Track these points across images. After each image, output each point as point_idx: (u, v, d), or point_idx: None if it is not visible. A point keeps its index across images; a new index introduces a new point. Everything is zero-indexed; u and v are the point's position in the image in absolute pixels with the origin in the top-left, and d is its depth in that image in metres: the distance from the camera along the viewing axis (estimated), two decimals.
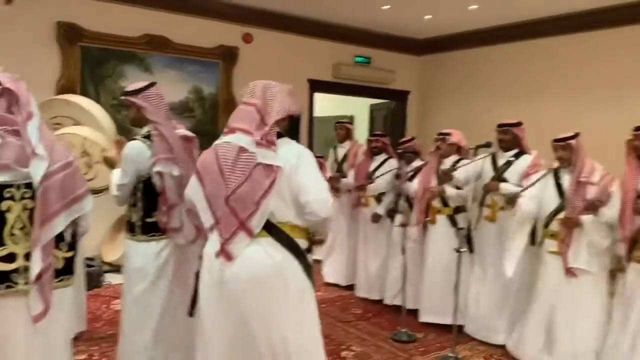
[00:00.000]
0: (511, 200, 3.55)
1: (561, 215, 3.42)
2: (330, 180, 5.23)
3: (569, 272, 3.36)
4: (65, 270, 2.15)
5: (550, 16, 6.54)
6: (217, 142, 2.31)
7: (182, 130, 2.95)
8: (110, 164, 3.12)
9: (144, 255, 2.86)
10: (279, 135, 2.26)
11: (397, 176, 4.60)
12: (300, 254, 2.22)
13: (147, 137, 2.83)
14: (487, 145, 3.77)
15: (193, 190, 2.31)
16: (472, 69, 7.78)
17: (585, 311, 3.36)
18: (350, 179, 5.29)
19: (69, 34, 5.60)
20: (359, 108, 9.75)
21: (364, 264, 5.12)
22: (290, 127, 2.42)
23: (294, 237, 2.21)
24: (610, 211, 3.23)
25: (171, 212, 2.84)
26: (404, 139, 5.08)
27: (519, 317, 3.81)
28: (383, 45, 8.09)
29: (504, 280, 3.92)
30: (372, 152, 5.17)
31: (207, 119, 6.60)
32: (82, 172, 2.42)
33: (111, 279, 5.18)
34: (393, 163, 5.00)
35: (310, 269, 2.29)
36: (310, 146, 7.51)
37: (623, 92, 6.09)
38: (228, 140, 2.24)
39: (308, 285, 2.27)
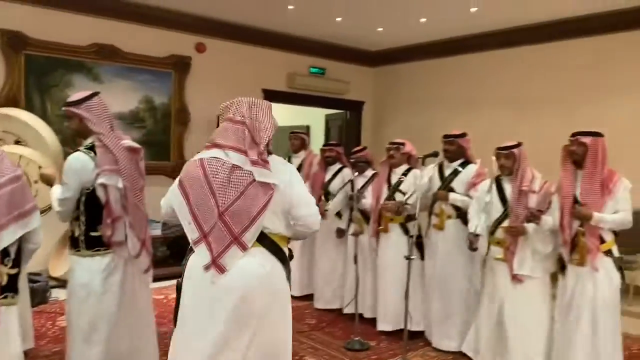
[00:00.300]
0: (471, 243, 3.65)
1: (505, 223, 3.52)
2: None
3: (515, 278, 3.46)
4: (9, 288, 2.10)
5: (497, 29, 6.78)
6: (201, 156, 2.31)
7: (128, 141, 2.89)
8: (48, 181, 3.00)
9: (88, 271, 2.80)
10: (267, 153, 2.33)
11: (350, 197, 4.63)
12: (285, 262, 2.33)
13: (91, 148, 2.77)
14: (434, 154, 3.87)
15: (177, 204, 2.30)
16: (424, 80, 7.97)
17: (532, 314, 3.47)
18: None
19: (12, 42, 5.44)
20: (314, 118, 9.81)
21: (323, 274, 5.13)
22: None
23: (281, 246, 2.32)
24: (552, 218, 3.35)
25: (115, 224, 2.79)
26: (356, 149, 5.14)
27: (471, 322, 3.89)
28: (338, 56, 8.20)
29: (453, 287, 4.03)
30: (326, 161, 5.21)
31: (159, 129, 6.51)
32: None
33: (58, 294, 5.01)
34: (347, 172, 5.04)
35: (290, 274, 2.38)
36: None
37: (566, 103, 6.36)
38: (217, 156, 2.26)
39: (288, 290, 2.37)
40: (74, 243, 2.84)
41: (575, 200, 3.27)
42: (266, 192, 2.22)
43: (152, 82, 6.44)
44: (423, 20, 6.50)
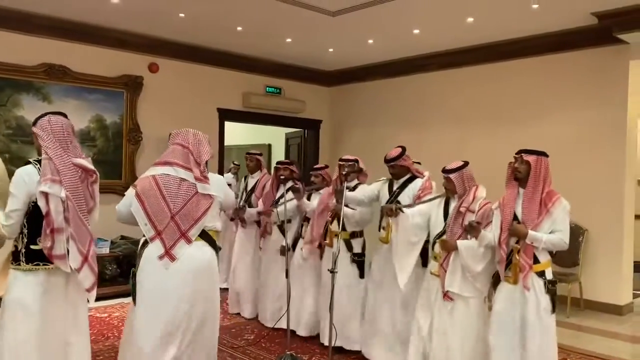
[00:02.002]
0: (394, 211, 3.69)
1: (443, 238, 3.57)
2: (236, 211, 5.43)
3: (446, 295, 3.47)
4: None
5: (440, 51, 7.04)
6: (153, 172, 3.00)
7: (81, 160, 2.90)
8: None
9: (25, 286, 2.77)
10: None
11: (296, 189, 4.68)
12: (217, 250, 3.09)
13: (39, 161, 2.82)
14: (359, 170, 3.98)
15: (135, 210, 2.95)
16: (378, 99, 8.18)
17: (458, 333, 3.46)
18: (258, 209, 5.36)
19: None
20: (276, 137, 9.95)
21: (268, 291, 5.18)
22: None
23: (215, 239, 3.06)
24: (491, 234, 3.38)
25: (55, 236, 2.75)
26: (317, 166, 5.16)
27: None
28: (294, 76, 8.36)
29: (400, 300, 4.08)
30: (279, 180, 5.24)
31: (110, 148, 6.55)
32: None
33: None
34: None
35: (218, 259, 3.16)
36: (220, 173, 7.57)
37: (510, 121, 6.59)
38: (167, 173, 2.96)
39: (217, 271, 3.14)
40: (15, 257, 2.82)
41: (515, 218, 3.31)
42: (207, 200, 2.99)
43: (104, 102, 6.50)
44: (370, 41, 6.70)
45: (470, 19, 5.73)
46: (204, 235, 3.01)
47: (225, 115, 7.71)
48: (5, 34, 5.76)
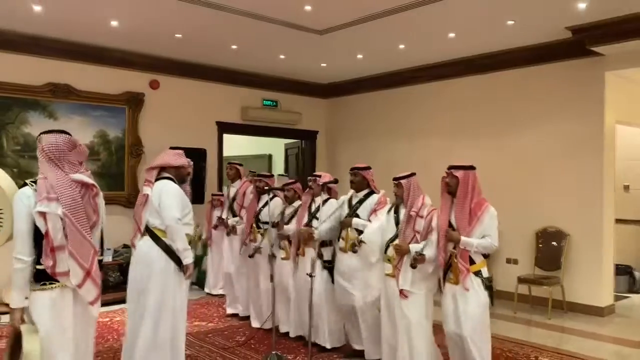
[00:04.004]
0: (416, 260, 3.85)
1: (396, 242, 3.86)
2: (220, 220, 6.06)
3: (402, 294, 3.78)
4: None
5: (427, 64, 7.32)
6: None
7: (79, 175, 2.91)
8: None
9: (37, 306, 2.78)
10: (169, 178, 3.78)
11: (273, 225, 5.01)
12: (163, 246, 3.66)
13: (35, 182, 2.85)
14: (335, 181, 4.27)
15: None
16: (369, 110, 8.48)
17: (415, 325, 3.76)
18: (243, 219, 5.70)
19: None
20: (276, 147, 10.27)
21: (256, 295, 5.45)
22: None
23: (160, 237, 3.68)
24: (431, 249, 3.67)
25: (56, 254, 2.76)
26: (288, 181, 5.46)
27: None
28: (290, 89, 8.69)
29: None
30: (258, 191, 5.53)
31: (113, 162, 6.90)
32: None
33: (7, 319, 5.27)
34: (277, 201, 5.40)
35: (173, 254, 3.66)
36: (219, 184, 7.89)
37: (493, 130, 6.84)
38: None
39: (170, 265, 3.67)
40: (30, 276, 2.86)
41: (450, 225, 3.66)
42: (144, 199, 3.71)
43: (107, 118, 6.86)
44: (359, 56, 7.00)
45: (451, 35, 6.01)
46: (150, 232, 3.69)
47: (224, 128, 8.05)
48: (13, 56, 6.14)
